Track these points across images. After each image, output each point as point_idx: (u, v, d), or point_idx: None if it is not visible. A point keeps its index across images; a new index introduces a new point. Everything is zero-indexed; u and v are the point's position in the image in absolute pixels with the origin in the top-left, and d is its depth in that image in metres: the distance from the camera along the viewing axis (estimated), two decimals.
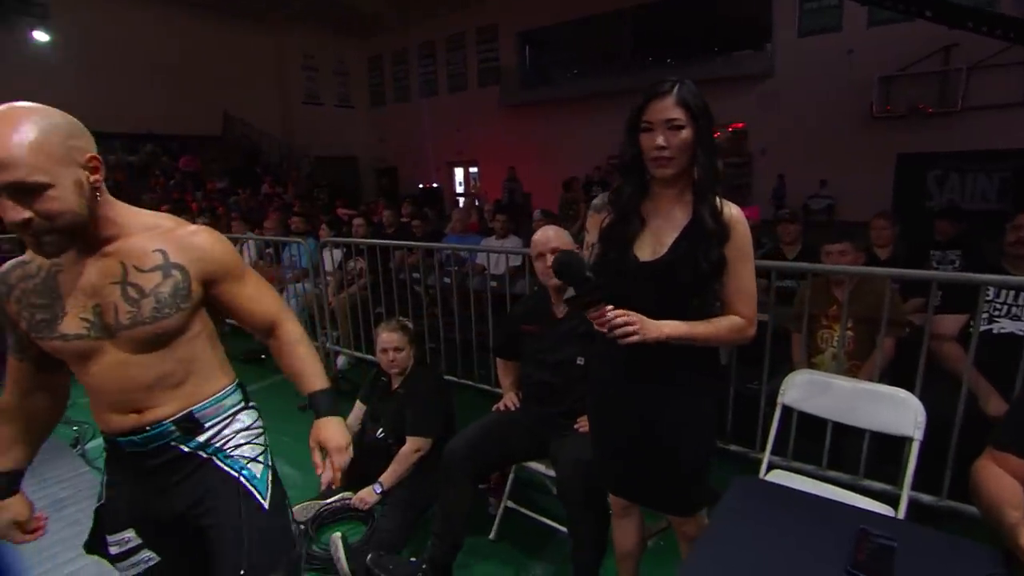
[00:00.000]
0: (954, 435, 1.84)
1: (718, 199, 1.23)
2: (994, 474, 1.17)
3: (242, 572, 1.08)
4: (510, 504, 2.16)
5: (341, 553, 1.86)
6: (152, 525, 1.15)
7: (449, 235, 5.30)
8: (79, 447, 3.04)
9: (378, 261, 3.67)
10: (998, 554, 1.06)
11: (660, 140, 1.18)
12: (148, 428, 1.08)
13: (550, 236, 1.83)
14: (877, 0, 6.28)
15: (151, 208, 1.18)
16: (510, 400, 2.05)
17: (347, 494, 2.32)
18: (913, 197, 7.88)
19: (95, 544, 1.20)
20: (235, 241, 5.59)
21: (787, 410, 1.78)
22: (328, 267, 4.75)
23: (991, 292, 2.15)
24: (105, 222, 1.01)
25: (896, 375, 2.16)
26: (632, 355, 1.21)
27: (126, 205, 1.07)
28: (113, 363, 1.04)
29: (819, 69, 8.76)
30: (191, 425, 1.11)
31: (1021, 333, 2.08)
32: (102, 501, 1.16)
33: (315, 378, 1.21)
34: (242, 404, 1.21)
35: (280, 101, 15.31)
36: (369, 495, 2.18)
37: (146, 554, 1.15)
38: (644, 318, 1.16)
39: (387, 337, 2.35)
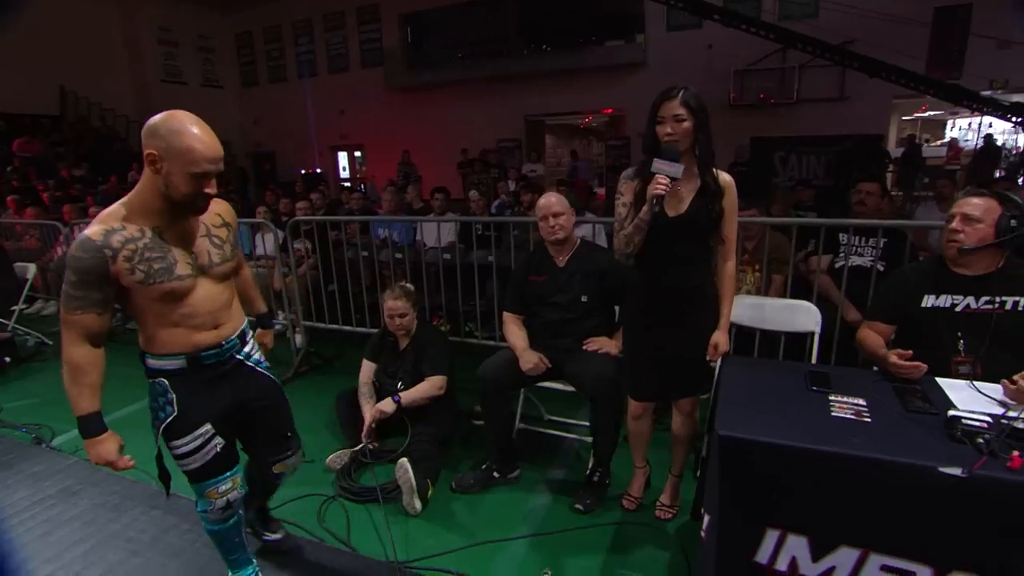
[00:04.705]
0: (836, 334, 2.58)
1: (714, 169, 1.77)
2: (869, 335, 1.87)
3: (289, 433, 1.76)
4: (521, 426, 2.61)
5: (411, 474, 2.20)
6: (220, 418, 1.56)
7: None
8: (44, 444, 2.96)
9: (329, 241, 3.85)
10: (875, 371, 1.75)
11: (668, 129, 1.70)
12: (224, 343, 1.55)
13: (552, 202, 2.28)
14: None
15: None
16: (539, 360, 2.26)
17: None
18: (764, 174, 9.35)
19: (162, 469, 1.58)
20: None
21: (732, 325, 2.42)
22: (262, 251, 4.78)
23: (844, 237, 2.98)
24: None
25: None
26: (663, 287, 1.73)
27: None
28: (204, 294, 1.49)
29: (686, 61, 9.96)
30: (243, 339, 1.63)
31: (866, 265, 2.92)
32: (173, 415, 1.49)
33: (259, 303, 1.88)
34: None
35: (135, 79, 13.80)
36: (387, 405, 2.52)
37: (217, 440, 1.55)
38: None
39: (393, 304, 2.65)
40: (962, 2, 8.47)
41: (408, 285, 2.78)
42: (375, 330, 3.06)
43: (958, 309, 1.73)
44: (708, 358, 1.82)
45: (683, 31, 10.39)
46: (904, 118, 15.43)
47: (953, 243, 1.70)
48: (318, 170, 15.28)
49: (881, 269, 2.87)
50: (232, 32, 15.45)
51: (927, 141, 16.30)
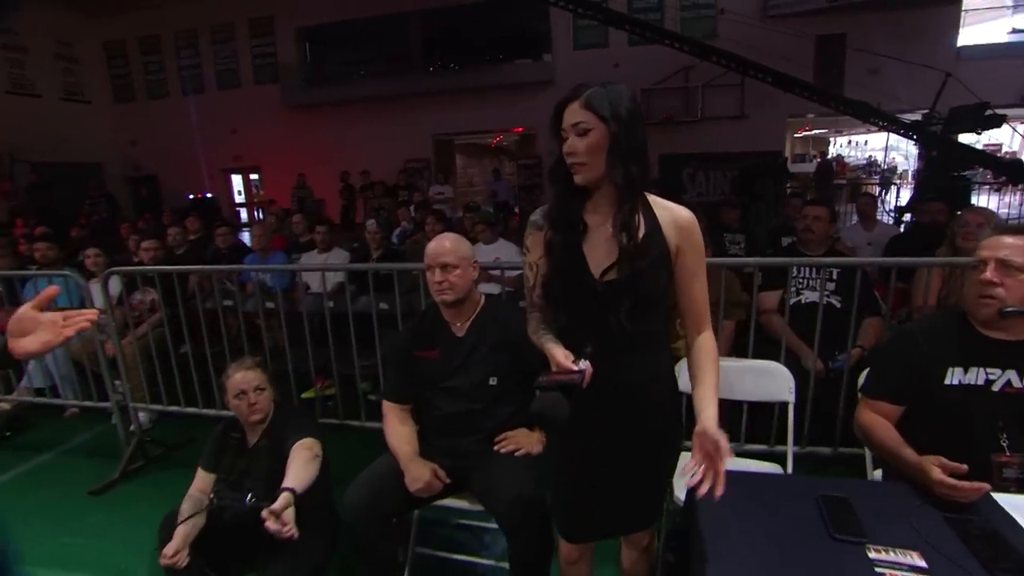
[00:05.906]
0: (810, 391, 2.10)
1: (655, 201, 1.22)
2: (877, 421, 1.37)
3: None
4: (419, 550, 1.92)
5: None
6: None
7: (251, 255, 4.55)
8: None
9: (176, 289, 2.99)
10: (906, 486, 1.23)
11: (568, 145, 1.14)
12: None
13: (445, 247, 1.63)
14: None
15: None
16: (432, 475, 1.62)
17: None
18: (674, 190, 9.31)
19: None
20: None
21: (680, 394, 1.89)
22: (100, 304, 3.78)
23: (795, 270, 2.59)
24: None
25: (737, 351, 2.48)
26: (602, 383, 1.11)
27: None
28: None
29: (593, 79, 9.75)
30: None
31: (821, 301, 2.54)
32: None
33: None
34: None
35: None
36: (285, 501, 1.59)
37: None
38: (712, 442, 1.06)
39: (243, 377, 1.90)
40: (836, 32, 9.05)
41: (258, 358, 2.05)
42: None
43: (996, 388, 1.27)
44: (687, 473, 1.05)
45: (590, 49, 10.27)
46: (796, 135, 16.38)
47: (990, 300, 1.24)
48: (208, 195, 13.81)
49: (837, 305, 2.50)
50: (100, 39, 13.68)
51: (814, 157, 17.50)
